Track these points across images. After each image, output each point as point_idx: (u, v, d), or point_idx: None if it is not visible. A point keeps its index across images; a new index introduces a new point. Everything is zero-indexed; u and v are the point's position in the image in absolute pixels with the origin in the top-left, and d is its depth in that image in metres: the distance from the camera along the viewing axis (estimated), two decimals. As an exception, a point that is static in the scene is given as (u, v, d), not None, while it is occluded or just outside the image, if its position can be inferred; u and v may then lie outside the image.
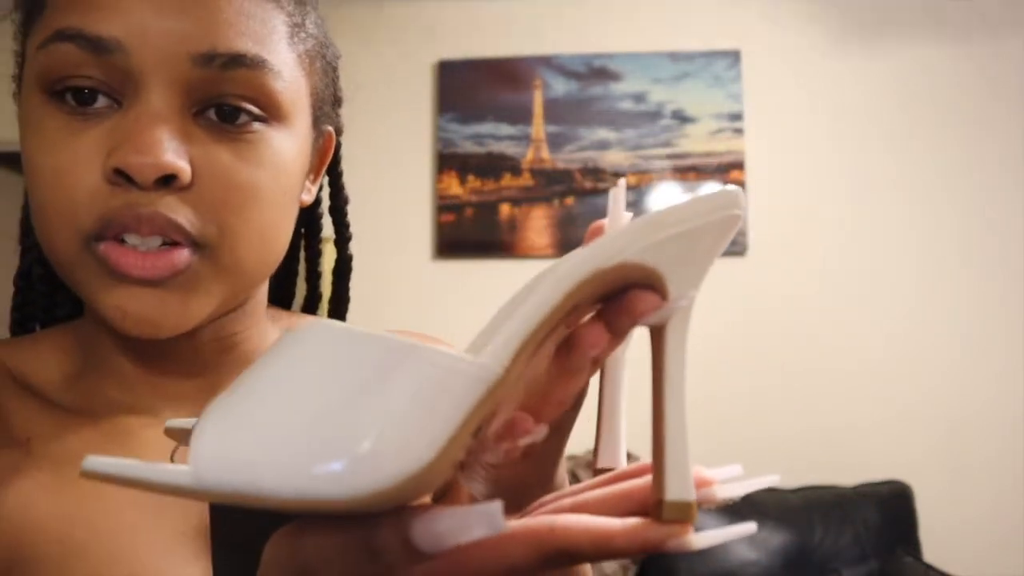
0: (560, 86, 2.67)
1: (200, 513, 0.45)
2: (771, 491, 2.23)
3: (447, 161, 2.64)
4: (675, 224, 0.32)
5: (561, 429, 0.35)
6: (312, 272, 0.62)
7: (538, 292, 0.29)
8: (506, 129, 2.65)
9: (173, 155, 0.40)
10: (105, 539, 0.43)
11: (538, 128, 2.65)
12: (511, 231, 2.61)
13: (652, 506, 0.30)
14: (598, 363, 0.32)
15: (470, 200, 2.62)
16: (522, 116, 2.66)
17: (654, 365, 0.32)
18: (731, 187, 0.34)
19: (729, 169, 2.59)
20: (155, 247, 0.41)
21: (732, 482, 0.33)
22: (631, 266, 0.30)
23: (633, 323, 0.30)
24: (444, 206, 2.62)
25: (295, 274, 0.62)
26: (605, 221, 0.35)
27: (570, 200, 2.62)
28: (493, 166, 2.64)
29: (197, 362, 0.49)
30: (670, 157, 2.62)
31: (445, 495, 0.43)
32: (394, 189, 2.63)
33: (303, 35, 0.47)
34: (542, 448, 0.35)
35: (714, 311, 2.47)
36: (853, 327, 2.50)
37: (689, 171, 2.60)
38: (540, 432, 0.30)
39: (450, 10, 2.69)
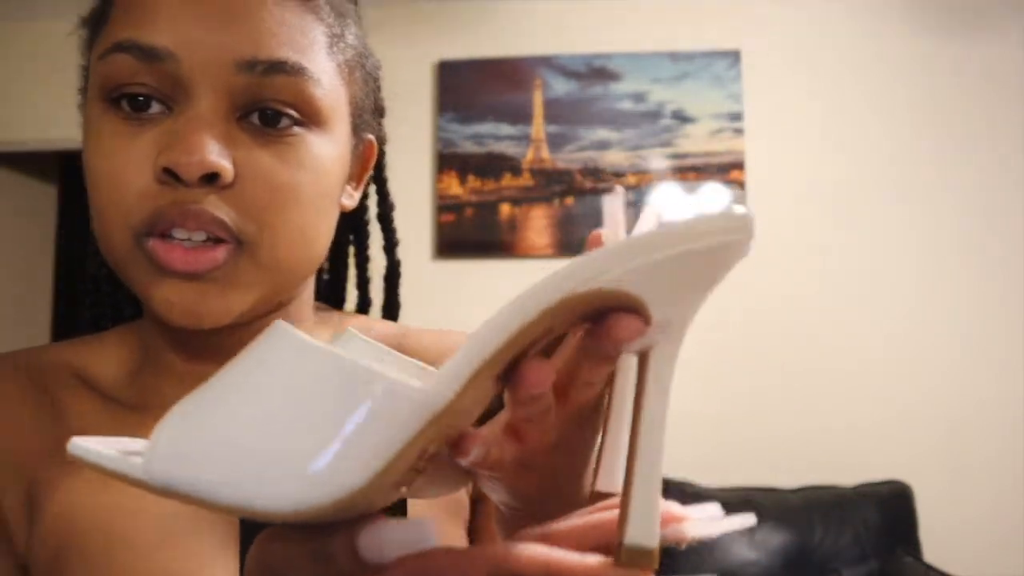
0: (560, 86, 2.67)
1: None
2: (771, 491, 2.23)
3: (447, 161, 2.64)
4: (662, 248, 0.29)
5: (572, 445, 0.35)
6: (362, 278, 0.65)
7: (496, 317, 0.28)
8: (506, 129, 2.65)
9: (216, 155, 0.43)
10: (146, 528, 0.45)
11: (538, 128, 2.65)
12: (511, 231, 2.61)
13: (614, 547, 0.29)
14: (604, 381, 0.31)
15: (470, 200, 2.62)
16: (522, 116, 2.66)
17: (636, 394, 0.30)
18: (739, 210, 0.31)
19: (729, 169, 2.59)
20: (199, 242, 0.44)
21: (706, 521, 0.31)
22: (607, 292, 0.29)
23: (615, 349, 0.29)
24: (444, 206, 2.62)
25: (345, 279, 0.65)
26: (604, 231, 0.34)
27: (570, 200, 2.62)
28: (493, 166, 2.64)
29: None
30: (670, 157, 2.62)
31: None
32: (394, 189, 2.61)
33: (342, 45, 0.50)
34: (554, 462, 0.35)
35: (714, 311, 2.47)
36: (853, 327, 2.50)
37: (689, 171, 2.60)
38: (479, 452, 0.30)
39: (450, 10, 2.69)
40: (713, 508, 0.32)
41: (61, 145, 2.98)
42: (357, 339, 0.35)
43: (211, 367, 0.51)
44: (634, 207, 2.61)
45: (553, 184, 2.63)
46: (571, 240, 2.60)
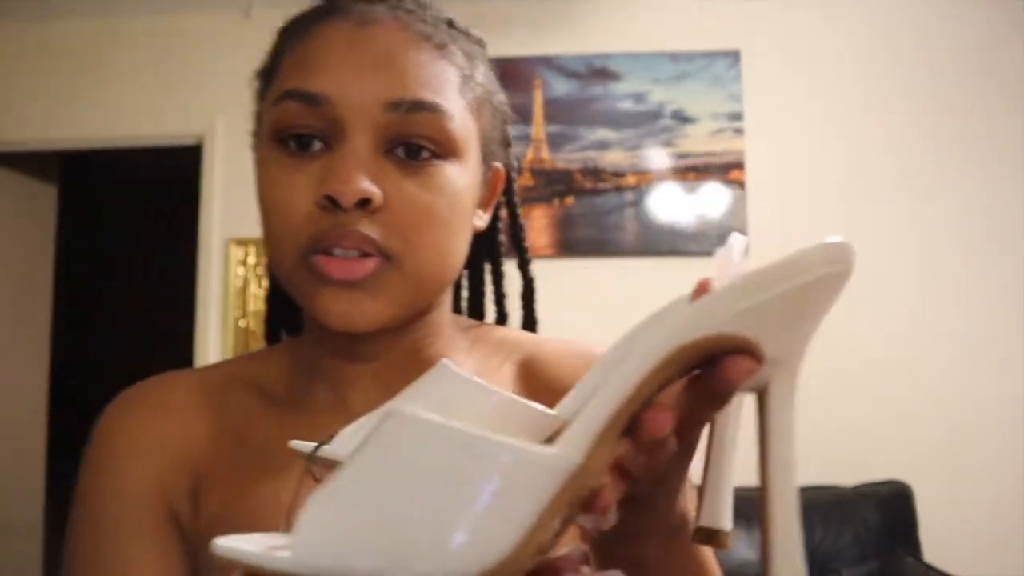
0: (560, 86, 2.67)
1: None
2: (771, 491, 2.23)
3: (447, 161, 2.64)
4: (768, 288, 0.31)
5: (672, 476, 0.38)
6: (498, 293, 0.72)
7: (613, 378, 0.29)
8: (506, 129, 2.65)
9: (368, 183, 0.50)
10: (283, 508, 0.52)
11: (538, 128, 2.65)
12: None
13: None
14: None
15: (470, 200, 2.62)
16: (522, 116, 2.66)
17: (759, 433, 0.33)
18: (838, 240, 0.32)
19: (729, 169, 2.59)
20: (352, 256, 0.51)
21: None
22: (719, 337, 0.30)
23: (729, 390, 0.31)
24: (444, 206, 2.62)
25: (483, 296, 0.72)
26: (712, 279, 0.34)
27: (570, 200, 2.62)
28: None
29: (387, 364, 0.59)
30: (670, 157, 2.62)
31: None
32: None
33: (472, 84, 0.57)
34: (654, 492, 0.38)
35: (714, 311, 2.47)
36: (853, 327, 2.50)
37: (689, 171, 2.60)
38: (611, 518, 0.32)
39: (450, 10, 2.68)
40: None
41: (61, 145, 2.98)
42: (449, 372, 0.36)
43: (356, 368, 0.58)
44: (634, 207, 2.61)
45: (553, 184, 2.63)
46: (571, 240, 2.60)
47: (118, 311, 4.49)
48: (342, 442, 0.37)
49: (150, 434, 0.57)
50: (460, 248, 0.57)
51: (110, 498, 0.56)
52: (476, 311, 0.72)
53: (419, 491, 0.27)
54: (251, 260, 2.71)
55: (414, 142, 0.52)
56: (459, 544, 0.26)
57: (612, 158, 2.63)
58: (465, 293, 0.73)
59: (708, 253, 2.37)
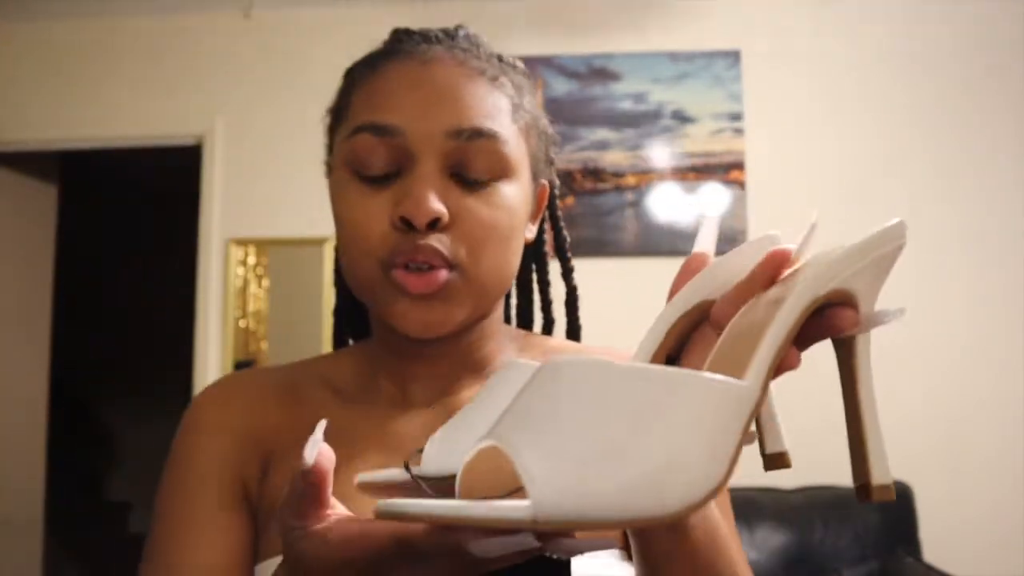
0: (560, 86, 2.67)
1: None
2: (771, 491, 2.23)
3: (447, 161, 2.64)
4: (873, 251, 0.40)
5: None
6: (544, 300, 0.78)
7: (772, 327, 0.36)
8: (506, 129, 2.65)
9: (438, 204, 0.57)
10: (340, 486, 0.55)
11: (538, 128, 2.65)
12: (511, 231, 2.61)
13: (859, 489, 0.39)
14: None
15: (470, 200, 2.62)
16: (522, 116, 2.66)
17: (846, 373, 0.40)
18: (902, 221, 0.43)
19: (729, 169, 2.59)
20: (425, 270, 0.58)
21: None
22: (839, 291, 0.38)
23: (835, 335, 0.40)
24: (444, 206, 2.62)
25: (531, 303, 0.78)
26: (702, 250, 0.44)
27: (570, 200, 2.62)
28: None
29: (444, 363, 0.66)
30: (670, 157, 2.62)
31: None
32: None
33: (522, 112, 0.64)
34: None
35: (714, 311, 2.47)
36: (853, 327, 2.50)
37: (689, 171, 2.61)
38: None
39: (450, 10, 2.69)
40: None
41: (61, 145, 2.98)
42: (525, 364, 0.40)
43: (416, 367, 0.65)
44: (635, 208, 2.61)
45: (553, 184, 2.63)
46: (572, 240, 2.59)
47: (118, 311, 4.49)
48: (429, 459, 0.40)
49: (226, 417, 0.65)
50: (515, 258, 0.64)
51: (189, 471, 0.63)
52: (524, 317, 0.79)
53: (642, 427, 0.29)
54: (251, 260, 2.71)
55: (474, 175, 0.59)
56: (697, 471, 0.29)
57: (612, 158, 2.63)
58: (514, 300, 0.79)
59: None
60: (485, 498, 0.31)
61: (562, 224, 0.77)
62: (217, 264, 2.73)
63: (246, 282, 2.71)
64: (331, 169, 0.65)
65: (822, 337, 0.39)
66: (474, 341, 0.66)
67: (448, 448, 0.39)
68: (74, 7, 2.81)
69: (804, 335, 0.39)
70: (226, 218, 2.72)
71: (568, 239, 0.78)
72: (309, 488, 0.39)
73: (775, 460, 0.43)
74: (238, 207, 2.69)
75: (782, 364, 0.37)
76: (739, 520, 2.53)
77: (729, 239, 2.55)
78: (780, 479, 2.26)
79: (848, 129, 2.59)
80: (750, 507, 2.18)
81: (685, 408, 0.30)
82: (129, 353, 4.37)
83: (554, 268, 0.79)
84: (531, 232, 0.70)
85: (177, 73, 2.79)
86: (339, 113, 0.64)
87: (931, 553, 2.20)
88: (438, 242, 0.57)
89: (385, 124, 0.58)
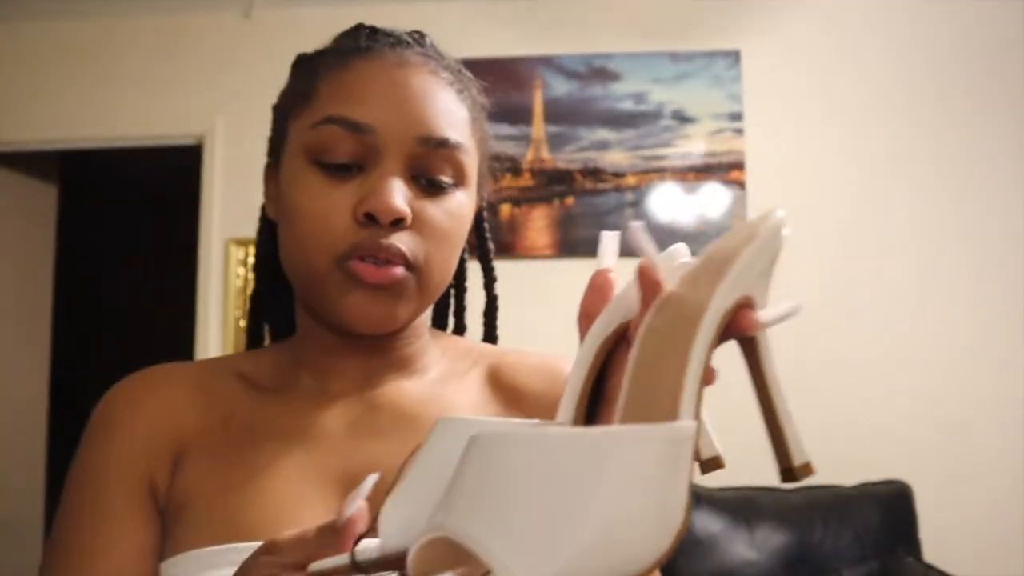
0: (560, 86, 2.67)
1: (339, 464, 0.61)
2: (771, 491, 2.23)
3: (447, 161, 2.64)
4: (764, 254, 0.41)
5: None
6: (459, 307, 0.79)
7: (694, 348, 0.37)
8: (506, 129, 2.65)
9: (404, 204, 0.58)
10: (257, 479, 0.59)
11: (538, 128, 2.65)
12: (511, 231, 2.61)
13: (784, 472, 0.41)
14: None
15: (470, 200, 2.61)
16: (522, 116, 2.66)
17: (754, 368, 0.42)
18: (779, 214, 0.43)
19: (729, 169, 2.59)
20: (382, 264, 0.58)
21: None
22: (744, 298, 0.40)
23: (737, 338, 0.41)
24: (444, 206, 2.62)
25: (448, 308, 0.79)
26: (605, 267, 0.45)
27: (570, 200, 2.62)
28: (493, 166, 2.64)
29: (370, 356, 0.66)
30: (670, 157, 2.62)
31: None
32: (394, 189, 2.63)
33: (478, 126, 0.66)
34: None
35: (714, 311, 2.47)
36: (853, 327, 2.50)
37: (689, 171, 2.60)
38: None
39: (450, 10, 2.69)
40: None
41: (61, 145, 2.98)
42: (459, 421, 0.40)
43: (341, 361, 0.66)
44: (635, 208, 2.61)
45: (553, 184, 2.63)
46: (571, 240, 2.60)
47: (118, 311, 4.49)
48: (386, 535, 0.39)
49: (138, 413, 0.64)
50: (456, 264, 0.66)
51: (97, 468, 0.62)
52: (440, 324, 0.79)
53: (586, 499, 0.30)
54: (251, 260, 2.71)
55: (437, 178, 0.61)
56: (648, 528, 0.30)
57: (612, 158, 2.63)
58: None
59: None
60: None
61: (488, 235, 0.78)
62: (217, 264, 2.73)
63: (246, 282, 2.71)
64: (277, 153, 0.65)
65: (725, 341, 0.41)
66: (403, 339, 0.67)
67: (398, 520, 0.39)
68: (74, 7, 2.80)
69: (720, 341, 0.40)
70: (226, 218, 2.72)
71: (493, 250, 0.78)
72: (334, 539, 0.39)
73: (709, 464, 0.44)
74: (238, 207, 2.68)
75: (708, 377, 0.39)
76: (739, 520, 2.54)
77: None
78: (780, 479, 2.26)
79: (848, 129, 2.59)
80: (750, 507, 2.18)
81: (628, 467, 0.30)
82: (129, 353, 4.37)
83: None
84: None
85: (177, 73, 2.79)
86: (299, 100, 0.64)
87: (931, 553, 2.20)
88: (400, 241, 0.59)
89: (358, 121, 0.59)
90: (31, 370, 3.19)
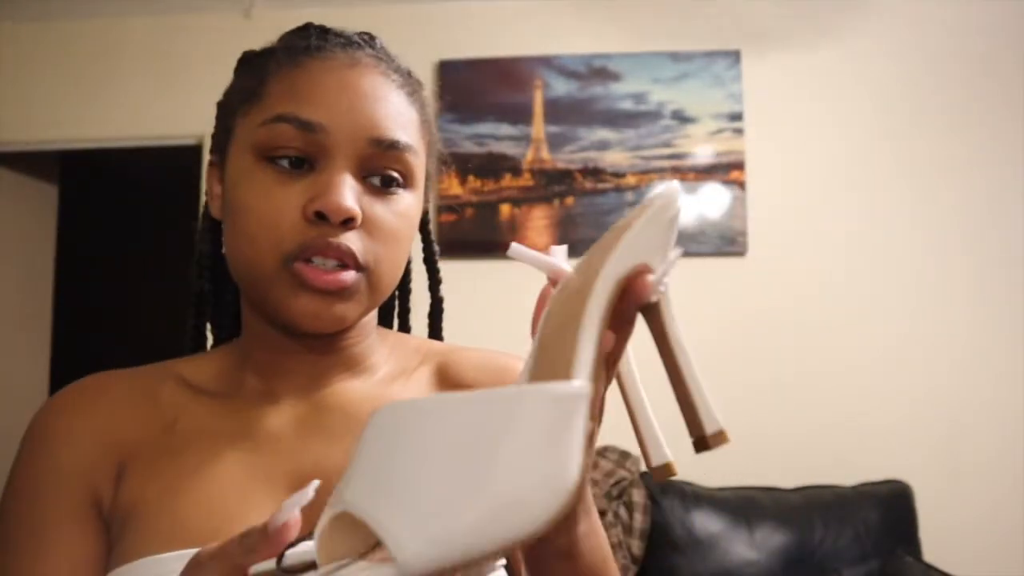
0: (560, 86, 2.67)
1: (287, 465, 0.61)
2: (771, 491, 2.23)
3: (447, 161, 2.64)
4: (659, 222, 0.42)
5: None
6: (403, 307, 0.79)
7: (586, 314, 0.37)
8: (506, 129, 2.65)
9: (354, 204, 0.58)
10: (203, 483, 0.58)
11: (538, 128, 2.65)
12: (511, 231, 2.61)
13: (696, 441, 0.41)
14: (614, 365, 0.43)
15: (470, 200, 2.62)
16: (522, 116, 2.66)
17: (658, 335, 0.42)
18: (672, 186, 0.43)
19: (729, 169, 2.59)
20: (331, 267, 0.58)
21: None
22: (640, 265, 0.40)
23: (642, 304, 0.42)
24: (444, 206, 2.62)
25: (393, 309, 0.79)
26: (549, 284, 0.46)
27: (570, 200, 2.62)
28: (493, 166, 2.64)
29: (316, 356, 0.66)
30: (670, 157, 2.62)
31: None
32: (394, 189, 2.63)
33: (428, 129, 0.67)
34: None
35: (714, 311, 2.47)
36: (853, 327, 2.50)
37: (689, 171, 2.60)
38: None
39: (450, 10, 2.69)
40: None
41: (61, 145, 2.98)
42: (392, 407, 0.39)
43: (288, 361, 0.65)
44: (634, 208, 2.61)
45: (553, 184, 2.63)
46: (571, 240, 2.59)
47: (118, 311, 4.49)
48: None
49: (77, 423, 0.62)
50: (404, 264, 0.66)
51: (36, 480, 0.61)
52: (386, 324, 0.79)
53: (479, 460, 0.30)
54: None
55: (387, 174, 0.61)
56: (554, 483, 0.30)
57: (612, 158, 2.63)
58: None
59: (708, 253, 2.37)
60: (345, 560, 0.31)
61: (432, 238, 0.78)
62: (217, 264, 2.73)
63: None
64: (223, 151, 0.64)
65: (632, 311, 0.41)
66: (350, 339, 0.67)
67: None
68: (74, 7, 2.80)
69: (616, 317, 0.41)
70: (226, 218, 2.72)
71: (437, 252, 0.79)
72: (263, 546, 0.39)
73: (661, 471, 0.44)
74: (238, 207, 2.68)
75: (606, 346, 0.39)
76: (739, 520, 2.53)
77: (729, 240, 2.55)
78: (780, 479, 2.26)
79: (848, 129, 2.59)
80: (750, 507, 2.18)
81: (519, 425, 0.30)
82: (129, 353, 4.36)
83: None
84: None
85: (177, 73, 2.79)
86: (248, 96, 0.63)
87: (931, 553, 2.20)
88: (351, 241, 0.58)
89: (310, 120, 0.58)
90: (31, 370, 3.19)
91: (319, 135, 0.58)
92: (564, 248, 0.48)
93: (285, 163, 0.59)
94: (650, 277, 0.41)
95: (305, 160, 0.59)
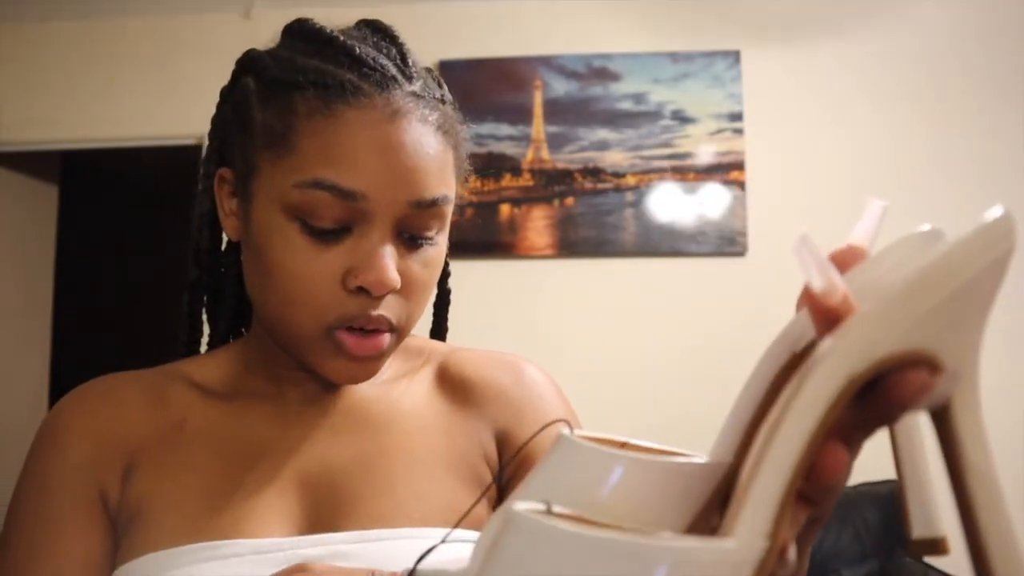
0: (560, 86, 2.67)
1: (293, 465, 0.60)
2: (771, 491, 2.23)
3: (447, 161, 2.64)
4: (940, 287, 0.26)
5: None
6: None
7: (780, 438, 0.25)
8: (506, 129, 2.65)
9: (396, 275, 0.57)
10: (210, 482, 0.59)
11: (538, 128, 2.65)
12: (511, 231, 2.61)
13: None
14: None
15: (470, 200, 2.61)
16: (522, 116, 2.66)
17: (946, 453, 0.29)
18: (998, 214, 0.27)
19: (729, 169, 2.59)
20: (369, 331, 0.58)
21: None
22: (899, 355, 0.26)
23: (904, 411, 0.28)
24: (444, 206, 2.62)
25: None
26: (857, 242, 0.32)
27: (570, 200, 2.62)
28: (493, 166, 2.64)
29: None
30: (670, 157, 2.62)
31: None
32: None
33: (459, 157, 0.63)
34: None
35: (714, 311, 2.47)
36: (853, 327, 2.50)
37: (689, 171, 2.61)
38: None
39: (450, 10, 2.69)
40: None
41: (61, 145, 2.98)
42: (580, 445, 0.31)
43: (299, 371, 0.65)
44: (634, 208, 2.61)
45: (553, 184, 2.63)
46: (571, 240, 2.60)
47: (118, 311, 4.49)
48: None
49: (87, 423, 0.63)
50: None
51: (45, 480, 0.61)
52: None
53: None
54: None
55: (427, 235, 0.60)
56: None
57: (612, 158, 2.63)
58: None
59: (708, 253, 2.37)
60: None
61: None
62: (217, 264, 2.73)
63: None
64: (243, 182, 0.60)
65: (899, 413, 0.28)
66: None
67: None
68: (74, 7, 2.80)
69: (863, 420, 0.28)
70: (226, 218, 2.72)
71: (448, 244, 0.76)
72: None
73: (925, 546, 0.32)
74: (238, 207, 2.68)
75: (823, 471, 0.27)
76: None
77: (729, 239, 2.55)
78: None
79: (848, 129, 2.59)
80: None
81: None
82: (129, 353, 4.37)
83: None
84: None
85: (177, 73, 2.79)
86: (276, 141, 0.58)
87: (931, 553, 2.20)
88: (389, 309, 0.58)
89: (350, 189, 0.55)
90: (31, 370, 3.19)
91: (360, 202, 0.56)
92: (878, 210, 0.33)
93: (321, 229, 0.56)
94: (925, 375, 0.26)
95: (343, 228, 0.57)
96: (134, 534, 0.58)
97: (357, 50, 0.59)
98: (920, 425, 0.31)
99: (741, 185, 2.57)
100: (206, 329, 0.74)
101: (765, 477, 0.25)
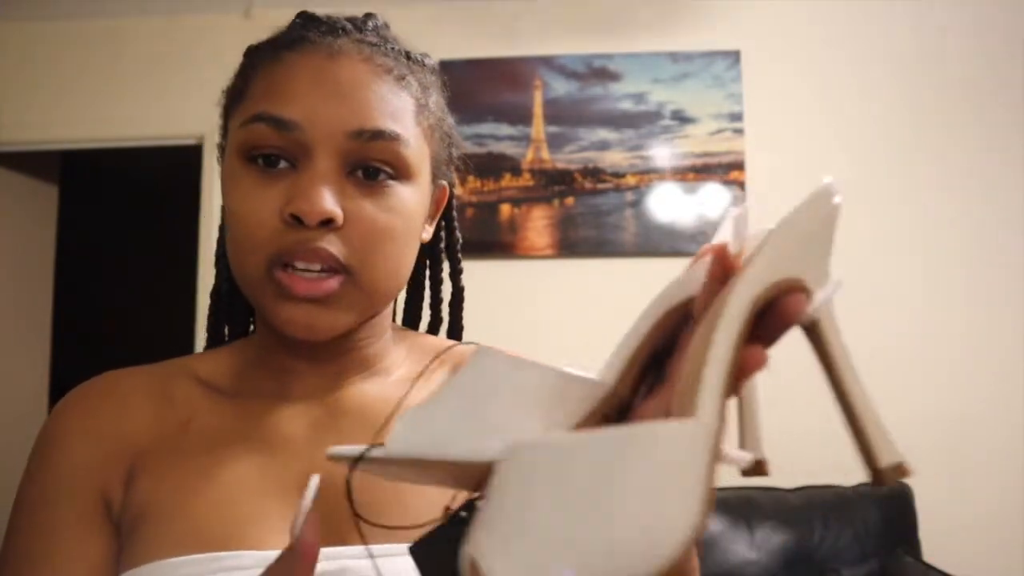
0: (560, 86, 2.67)
1: (299, 467, 0.59)
2: (771, 491, 2.23)
3: (447, 161, 2.64)
4: (808, 227, 0.37)
5: None
6: (435, 300, 0.77)
7: (718, 340, 0.33)
8: (506, 129, 2.65)
9: (332, 204, 0.55)
10: (216, 485, 0.57)
11: (538, 128, 2.65)
12: (511, 231, 2.61)
13: (872, 475, 0.37)
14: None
15: (470, 200, 2.62)
16: (522, 116, 2.66)
17: (822, 359, 0.38)
18: (826, 181, 0.38)
19: (729, 169, 2.59)
20: (316, 272, 0.56)
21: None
22: (786, 281, 0.36)
23: (788, 327, 0.36)
24: (444, 206, 2.62)
25: (421, 301, 0.77)
26: (719, 243, 0.40)
27: (570, 200, 2.62)
28: (493, 166, 2.64)
29: (329, 358, 0.64)
30: (670, 157, 2.62)
31: None
32: (394, 189, 2.63)
33: (427, 113, 0.62)
34: None
35: (714, 311, 2.47)
36: (853, 327, 2.49)
37: (689, 171, 2.61)
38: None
39: (450, 10, 2.69)
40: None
41: (61, 145, 2.98)
42: (490, 354, 0.37)
43: (300, 362, 0.64)
44: (634, 208, 2.61)
45: (553, 184, 2.63)
46: (571, 240, 2.60)
47: (118, 311, 4.49)
48: (396, 439, 0.38)
49: (90, 423, 0.61)
50: (409, 260, 0.63)
51: (47, 483, 0.60)
52: (412, 315, 0.77)
53: (594, 502, 0.28)
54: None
55: (372, 166, 0.57)
56: (660, 533, 0.28)
57: (612, 158, 2.63)
58: (402, 296, 0.77)
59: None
60: None
61: (456, 225, 0.76)
62: (217, 264, 2.73)
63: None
64: (224, 153, 0.63)
65: (782, 329, 0.36)
66: (363, 340, 0.65)
67: (416, 428, 0.37)
68: (74, 7, 2.81)
69: (763, 332, 0.36)
70: (226, 218, 2.73)
71: (460, 240, 0.77)
72: (297, 563, 0.38)
73: (753, 468, 0.41)
74: (238, 207, 2.68)
75: (746, 367, 0.34)
76: (739, 520, 2.53)
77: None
78: (780, 479, 2.26)
79: (848, 129, 2.59)
80: (750, 507, 2.18)
81: (638, 468, 0.29)
82: (129, 353, 4.37)
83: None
84: (427, 233, 0.68)
85: (177, 73, 2.79)
86: (236, 96, 0.62)
87: (931, 553, 2.20)
88: (329, 244, 0.55)
89: (283, 117, 0.56)
90: (31, 370, 3.20)
91: (295, 133, 0.56)
92: (740, 213, 0.42)
93: (261, 163, 0.57)
94: (804, 297, 0.36)
95: (285, 159, 0.57)
96: (138, 539, 0.56)
97: (317, 15, 0.62)
98: (757, 386, 0.41)
99: (741, 185, 2.57)
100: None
101: (710, 372, 0.33)
